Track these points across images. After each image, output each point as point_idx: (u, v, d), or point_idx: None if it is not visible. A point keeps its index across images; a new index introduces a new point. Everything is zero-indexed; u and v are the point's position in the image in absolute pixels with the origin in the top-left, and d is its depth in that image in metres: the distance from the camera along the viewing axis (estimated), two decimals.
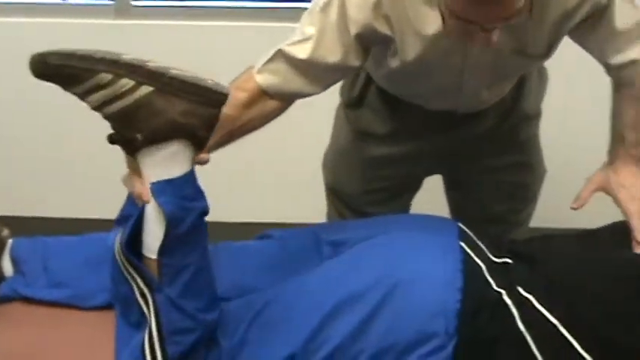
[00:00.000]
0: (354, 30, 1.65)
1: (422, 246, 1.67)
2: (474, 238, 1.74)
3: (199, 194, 1.54)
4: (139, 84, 1.41)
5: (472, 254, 1.66)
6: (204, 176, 1.57)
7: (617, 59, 1.76)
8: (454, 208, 2.31)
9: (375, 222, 1.92)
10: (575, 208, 1.89)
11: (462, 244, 1.68)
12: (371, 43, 1.70)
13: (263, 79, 1.71)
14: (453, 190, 2.30)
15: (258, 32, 2.88)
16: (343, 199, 2.23)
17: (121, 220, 1.73)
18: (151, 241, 1.51)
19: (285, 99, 1.75)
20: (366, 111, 2.07)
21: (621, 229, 1.79)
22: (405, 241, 1.69)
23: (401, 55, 1.70)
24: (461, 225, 1.78)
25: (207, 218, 1.56)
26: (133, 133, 1.44)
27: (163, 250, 1.50)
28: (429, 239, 1.70)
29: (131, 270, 1.56)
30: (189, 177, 1.52)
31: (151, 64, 1.43)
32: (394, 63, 1.75)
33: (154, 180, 1.48)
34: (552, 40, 1.73)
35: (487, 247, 1.72)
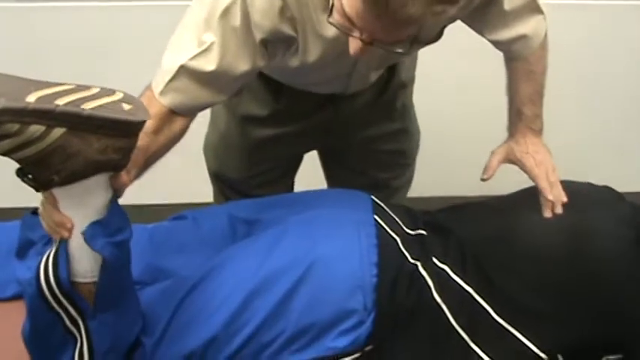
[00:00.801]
0: (259, 35, 1.55)
1: (336, 223, 1.67)
2: (388, 210, 1.75)
3: (124, 219, 1.45)
4: (50, 127, 1.25)
5: (386, 228, 1.68)
6: None
7: (506, 35, 1.78)
8: (334, 179, 2.32)
9: (288, 199, 1.91)
10: (484, 179, 1.92)
11: (376, 217, 1.69)
12: (274, 44, 1.61)
13: (169, 100, 1.58)
14: (332, 162, 2.30)
15: (163, 11, 2.84)
16: (228, 183, 2.21)
17: (23, 248, 1.55)
18: (82, 268, 1.43)
19: (193, 114, 1.65)
20: (245, 95, 2.01)
21: (530, 195, 1.84)
22: (319, 219, 1.68)
23: (302, 55, 1.65)
24: (374, 198, 1.80)
25: (119, 202, 1.49)
26: (48, 175, 1.32)
27: (99, 281, 1.43)
28: (343, 215, 1.70)
29: (63, 300, 1.46)
30: (114, 206, 1.42)
31: (61, 103, 1.25)
32: (294, 62, 1.68)
33: (73, 214, 1.38)
34: (445, 26, 1.74)
35: (401, 220, 1.74)
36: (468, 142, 3.06)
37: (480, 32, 1.81)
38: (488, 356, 1.56)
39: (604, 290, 1.62)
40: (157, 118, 1.55)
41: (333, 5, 1.41)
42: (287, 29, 1.57)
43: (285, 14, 1.54)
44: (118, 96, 1.34)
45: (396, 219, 1.73)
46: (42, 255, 1.45)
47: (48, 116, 1.24)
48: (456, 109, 3.10)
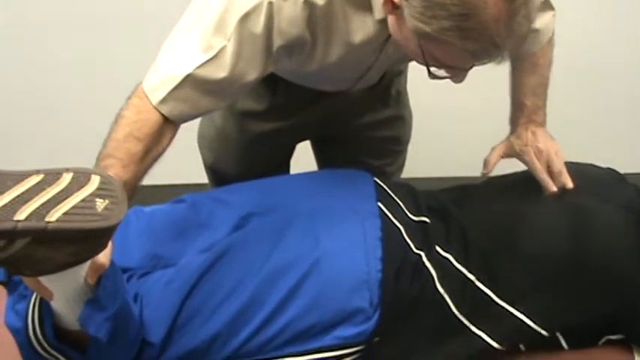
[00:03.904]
0: (279, 42, 1.49)
1: (340, 216, 1.64)
2: (392, 194, 1.74)
3: (116, 279, 1.39)
4: (10, 241, 1.07)
5: (390, 216, 1.66)
6: None
7: None
8: (326, 166, 2.29)
9: (288, 183, 1.87)
10: (484, 174, 1.92)
11: (380, 205, 1.68)
12: (288, 49, 1.55)
13: (169, 109, 1.51)
14: (325, 151, 2.29)
15: None
16: (224, 178, 2.17)
17: (13, 285, 1.47)
18: (69, 321, 1.37)
19: (184, 122, 1.59)
20: None
21: (532, 176, 1.83)
22: (323, 212, 1.66)
23: (322, 59, 1.60)
24: (377, 180, 1.78)
25: None
26: (18, 272, 1.20)
27: (89, 350, 1.40)
28: (346, 206, 1.68)
29: (52, 351, 1.42)
30: (104, 275, 1.34)
31: (23, 216, 1.07)
32: (311, 66, 1.63)
33: (51, 286, 1.27)
34: None
35: (404, 204, 1.72)
36: (460, 123, 3.06)
37: None
38: (491, 337, 1.57)
39: (604, 272, 1.62)
40: (148, 137, 1.49)
41: (428, 66, 1.44)
42: (307, 36, 1.52)
43: (310, 21, 1.50)
44: (92, 186, 1.14)
45: (400, 203, 1.72)
46: (28, 299, 1.40)
47: (7, 235, 1.07)
48: (448, 90, 3.09)
